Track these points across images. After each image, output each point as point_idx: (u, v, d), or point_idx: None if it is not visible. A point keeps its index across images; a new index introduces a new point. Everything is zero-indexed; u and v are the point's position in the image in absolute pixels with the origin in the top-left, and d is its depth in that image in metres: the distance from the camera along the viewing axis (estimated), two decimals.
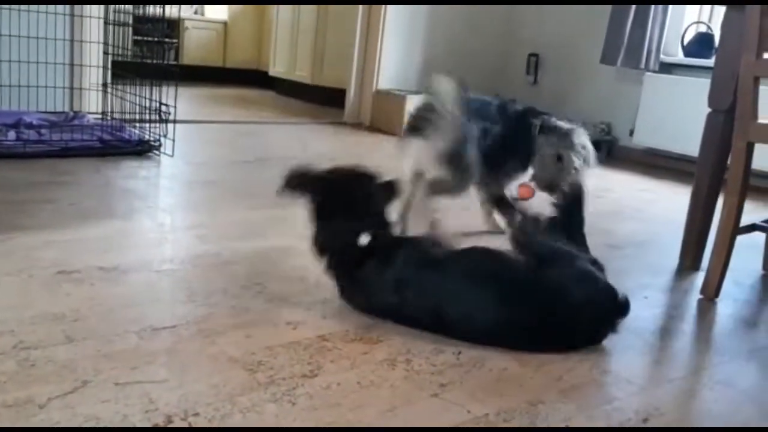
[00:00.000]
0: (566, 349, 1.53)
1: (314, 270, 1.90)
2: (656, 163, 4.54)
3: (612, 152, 4.86)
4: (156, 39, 3.78)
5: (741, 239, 2.04)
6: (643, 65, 4.50)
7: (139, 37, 5.15)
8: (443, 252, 1.65)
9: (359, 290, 1.64)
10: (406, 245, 1.67)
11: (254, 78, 7.09)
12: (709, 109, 2.24)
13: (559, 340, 1.54)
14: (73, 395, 1.17)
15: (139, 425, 1.10)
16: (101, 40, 3.64)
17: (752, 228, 2.12)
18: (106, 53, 3.64)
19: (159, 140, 3.18)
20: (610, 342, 1.60)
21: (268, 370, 1.32)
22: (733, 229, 2.00)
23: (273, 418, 1.16)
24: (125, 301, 1.58)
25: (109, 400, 1.17)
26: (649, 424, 1.28)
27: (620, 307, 1.58)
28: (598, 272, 1.61)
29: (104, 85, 3.67)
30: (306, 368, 1.35)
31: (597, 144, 4.81)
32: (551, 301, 1.52)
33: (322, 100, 5.91)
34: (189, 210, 2.44)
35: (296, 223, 2.35)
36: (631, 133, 4.65)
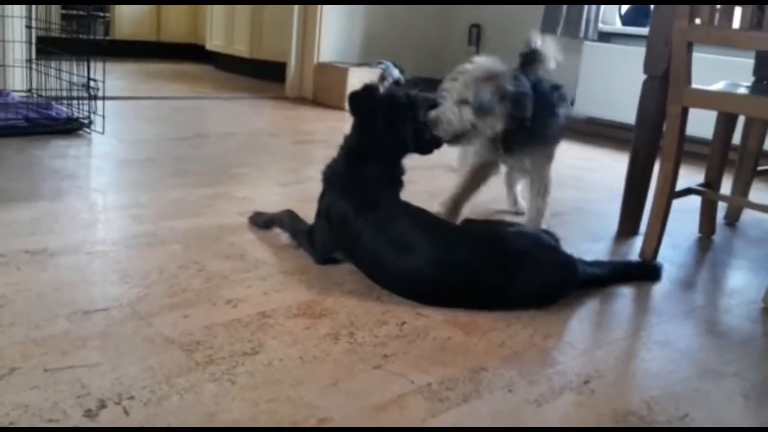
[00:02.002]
0: (512, 309, 1.58)
1: (254, 247, 1.86)
2: (597, 132, 4.61)
3: None
4: (84, 13, 3.62)
5: (677, 203, 2.09)
6: (582, 34, 4.54)
7: (66, 11, 4.94)
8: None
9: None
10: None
11: (191, 52, 6.89)
12: (645, 77, 2.27)
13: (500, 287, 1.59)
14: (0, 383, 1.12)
15: (70, 411, 1.06)
16: (24, 14, 3.46)
17: (688, 192, 2.17)
18: (29, 27, 3.46)
19: (89, 118, 3.06)
20: (551, 307, 1.62)
21: (206, 349, 1.29)
22: (669, 193, 2.04)
23: (212, 398, 1.13)
24: (54, 284, 1.51)
25: (38, 386, 1.12)
26: (590, 386, 1.29)
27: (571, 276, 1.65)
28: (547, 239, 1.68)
29: (29, 61, 3.49)
30: (246, 346, 1.32)
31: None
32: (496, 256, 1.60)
33: (263, 74, 5.79)
34: (122, 189, 2.35)
35: (234, 200, 2.30)
36: (572, 102, 4.70)
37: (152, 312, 1.42)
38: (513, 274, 1.58)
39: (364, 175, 1.72)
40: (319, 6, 4.85)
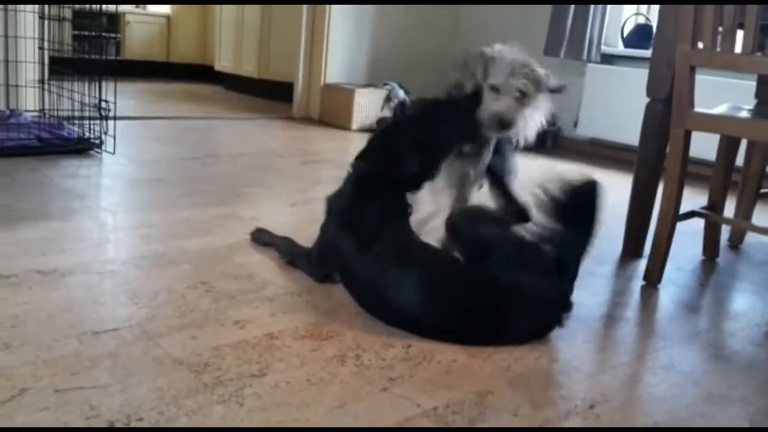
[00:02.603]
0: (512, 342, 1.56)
1: (262, 268, 1.88)
2: (600, 153, 4.63)
3: (557, 143, 4.94)
4: (96, 34, 3.67)
5: (681, 226, 2.10)
6: (585, 56, 4.58)
7: (78, 32, 5.02)
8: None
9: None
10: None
11: (200, 73, 6.97)
12: (648, 99, 2.29)
13: (499, 333, 1.56)
14: (10, 403, 1.13)
15: None
16: (37, 35, 3.52)
17: (692, 215, 2.18)
18: (41, 48, 3.52)
19: (100, 138, 3.10)
20: (556, 330, 1.63)
21: (214, 371, 1.30)
22: (673, 216, 2.05)
23: (220, 420, 1.14)
24: (65, 305, 1.53)
25: (48, 407, 1.13)
26: (595, 411, 1.30)
27: (565, 304, 1.62)
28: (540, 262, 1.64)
29: (41, 82, 3.55)
30: (254, 368, 1.33)
31: (542, 135, 4.90)
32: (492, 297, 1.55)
33: (270, 94, 5.85)
34: (132, 209, 2.38)
35: (243, 220, 2.32)
36: (575, 123, 4.74)
37: (161, 333, 1.44)
38: (506, 317, 1.55)
39: (371, 208, 1.66)
40: (326, 27, 4.91)
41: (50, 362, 1.28)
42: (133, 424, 1.10)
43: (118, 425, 1.10)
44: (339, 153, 3.87)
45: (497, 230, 1.68)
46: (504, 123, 1.80)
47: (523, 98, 1.80)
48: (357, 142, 4.37)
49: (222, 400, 1.20)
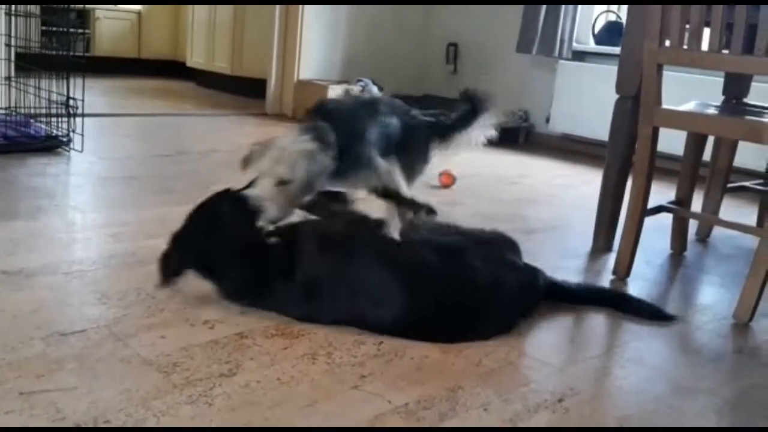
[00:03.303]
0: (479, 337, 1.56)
1: None
2: (572, 149, 4.67)
3: (529, 138, 4.97)
4: (64, 29, 3.61)
5: (650, 220, 2.13)
6: (556, 53, 4.61)
7: (47, 28, 4.93)
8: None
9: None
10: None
11: (172, 69, 6.88)
12: (617, 96, 2.32)
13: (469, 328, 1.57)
14: None
15: None
16: (3, 31, 3.45)
17: (660, 209, 2.21)
18: (8, 45, 3.45)
19: (68, 135, 3.05)
20: (526, 325, 1.64)
21: (184, 371, 1.29)
22: (642, 210, 2.08)
23: (189, 420, 1.14)
24: (31, 306, 1.51)
25: (13, 410, 1.12)
26: (564, 404, 1.31)
27: (535, 295, 1.65)
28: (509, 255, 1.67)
29: (8, 78, 3.47)
30: (224, 367, 1.32)
31: (515, 131, 4.94)
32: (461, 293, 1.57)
33: (244, 90, 5.80)
34: (102, 208, 2.35)
35: None
36: (548, 119, 4.77)
37: (129, 333, 1.42)
38: (478, 310, 1.58)
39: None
40: (299, 23, 4.88)
41: (15, 364, 1.26)
42: (100, 427, 1.09)
43: (84, 428, 1.08)
44: None
45: (460, 236, 1.71)
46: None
47: (285, 184, 1.74)
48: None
49: (191, 401, 1.19)
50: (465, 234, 1.76)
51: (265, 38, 5.12)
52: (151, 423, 1.12)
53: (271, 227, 1.67)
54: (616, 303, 1.85)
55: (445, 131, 2.20)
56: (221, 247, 1.60)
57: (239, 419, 1.15)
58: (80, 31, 6.16)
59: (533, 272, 1.74)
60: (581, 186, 3.58)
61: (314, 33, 4.98)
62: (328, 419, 1.18)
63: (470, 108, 2.26)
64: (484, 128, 2.28)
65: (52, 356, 1.30)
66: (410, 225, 1.89)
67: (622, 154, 2.33)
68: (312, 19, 4.93)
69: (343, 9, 5.07)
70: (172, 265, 1.59)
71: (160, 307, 1.56)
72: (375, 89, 4.92)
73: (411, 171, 2.09)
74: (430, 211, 1.96)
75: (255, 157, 1.79)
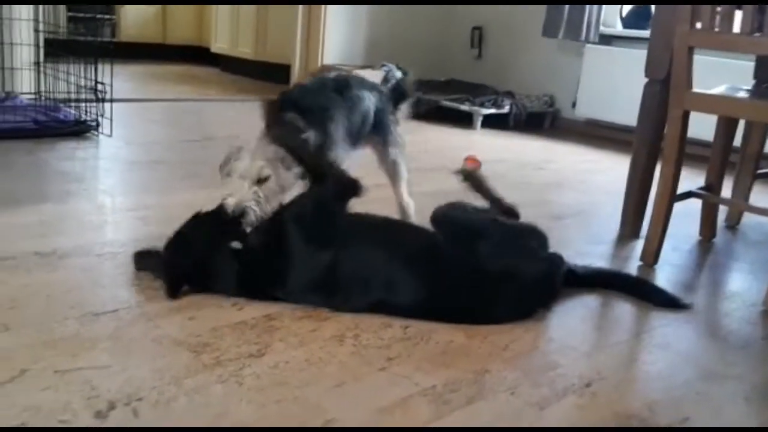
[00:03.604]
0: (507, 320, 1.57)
1: None
2: (599, 134, 4.63)
3: (555, 124, 4.93)
4: (91, 15, 3.65)
5: (678, 206, 2.10)
6: (583, 37, 4.56)
7: (73, 14, 4.98)
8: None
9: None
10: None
11: (196, 54, 6.92)
12: (646, 80, 2.29)
13: (483, 312, 1.57)
14: (10, 384, 1.14)
15: (80, 413, 1.08)
16: (32, 17, 3.49)
17: (689, 195, 2.18)
18: (37, 31, 3.49)
19: (96, 120, 3.09)
20: (554, 309, 1.64)
21: (213, 351, 1.31)
22: (670, 196, 2.05)
23: (220, 399, 1.15)
24: (64, 287, 1.54)
25: (48, 387, 1.14)
26: (591, 389, 1.31)
27: (552, 286, 1.65)
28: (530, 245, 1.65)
29: (37, 64, 3.52)
30: (253, 348, 1.34)
31: (540, 116, 4.91)
32: (476, 281, 1.56)
33: (267, 76, 5.82)
34: (130, 192, 2.38)
35: None
36: (574, 104, 4.73)
37: (160, 314, 1.44)
38: (495, 299, 1.57)
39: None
40: (323, 8, 4.87)
41: (50, 343, 1.28)
42: (134, 404, 1.11)
43: (118, 405, 1.11)
44: None
45: (483, 218, 1.69)
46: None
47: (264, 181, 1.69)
48: None
49: (221, 380, 1.21)
50: (488, 220, 1.72)
51: (288, 23, 5.13)
52: (182, 401, 1.14)
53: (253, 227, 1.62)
54: (632, 288, 1.84)
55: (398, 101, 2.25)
56: (208, 263, 1.56)
57: (269, 398, 1.17)
58: (106, 16, 6.21)
59: (553, 262, 1.70)
60: (608, 171, 3.55)
61: (338, 17, 4.97)
62: (356, 400, 1.19)
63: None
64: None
65: (86, 335, 1.33)
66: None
67: (651, 139, 2.30)
68: (336, 4, 4.92)
69: None
70: (172, 287, 1.55)
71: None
72: (399, 74, 4.89)
73: (392, 142, 2.15)
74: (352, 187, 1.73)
75: (231, 161, 1.72)
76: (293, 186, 1.73)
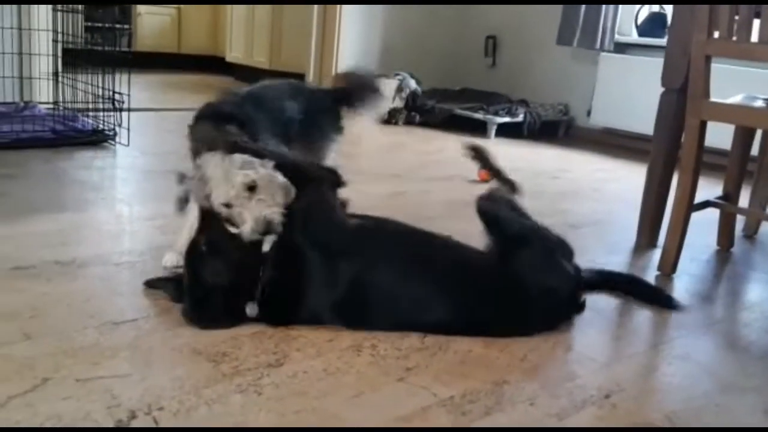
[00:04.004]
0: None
1: None
2: (614, 142, 4.61)
3: (570, 132, 4.92)
4: (108, 25, 3.69)
5: (696, 216, 2.09)
6: (598, 45, 4.55)
7: (90, 24, 5.03)
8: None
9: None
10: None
11: (211, 64, 6.97)
12: (662, 88, 2.28)
13: (513, 328, 1.55)
14: (33, 393, 1.15)
15: (101, 421, 1.09)
16: (50, 27, 3.54)
17: (706, 204, 2.17)
18: (55, 41, 3.54)
19: (114, 129, 3.11)
20: (570, 321, 1.63)
21: (232, 360, 1.32)
22: (688, 206, 2.04)
23: (239, 409, 1.16)
24: (84, 295, 1.55)
25: (70, 396, 1.15)
26: (611, 400, 1.30)
27: (578, 303, 1.63)
28: (562, 260, 1.63)
29: (55, 74, 3.57)
30: (271, 358, 1.34)
31: (554, 124, 4.90)
32: (511, 298, 1.54)
33: None
34: (147, 201, 2.40)
35: None
36: (589, 113, 4.71)
37: (179, 323, 1.45)
38: (528, 315, 1.55)
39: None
40: (337, 17, 4.90)
41: (70, 352, 1.30)
42: (155, 414, 1.12)
43: (139, 414, 1.11)
44: (347, 143, 3.86)
45: (526, 224, 1.67)
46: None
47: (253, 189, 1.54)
48: (366, 133, 4.37)
49: (240, 390, 1.21)
50: (530, 228, 1.67)
51: (303, 33, 5.16)
52: (202, 410, 1.14)
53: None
54: (627, 287, 1.86)
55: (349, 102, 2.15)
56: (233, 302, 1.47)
57: (288, 408, 1.17)
58: (123, 26, 6.28)
59: (578, 276, 1.67)
60: (623, 180, 3.53)
61: (352, 27, 4.99)
62: (374, 410, 1.19)
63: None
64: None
65: (106, 344, 1.34)
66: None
67: (668, 148, 2.30)
68: (350, 13, 4.95)
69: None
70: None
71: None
72: (413, 83, 4.92)
73: (320, 147, 2.03)
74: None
75: (193, 190, 1.59)
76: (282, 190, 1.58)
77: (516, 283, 1.53)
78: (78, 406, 1.13)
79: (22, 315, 1.43)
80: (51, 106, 3.48)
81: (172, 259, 1.75)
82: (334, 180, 1.63)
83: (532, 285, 1.54)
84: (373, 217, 1.63)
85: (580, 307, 1.64)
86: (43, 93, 3.58)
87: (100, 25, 4.42)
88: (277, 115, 1.91)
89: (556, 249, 1.64)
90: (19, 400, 1.12)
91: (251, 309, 1.45)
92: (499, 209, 1.68)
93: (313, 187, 1.58)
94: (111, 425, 1.08)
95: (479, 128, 4.59)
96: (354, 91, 2.17)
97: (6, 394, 1.14)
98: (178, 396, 1.18)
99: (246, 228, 1.48)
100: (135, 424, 1.09)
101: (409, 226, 1.64)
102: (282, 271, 1.48)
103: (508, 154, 4.05)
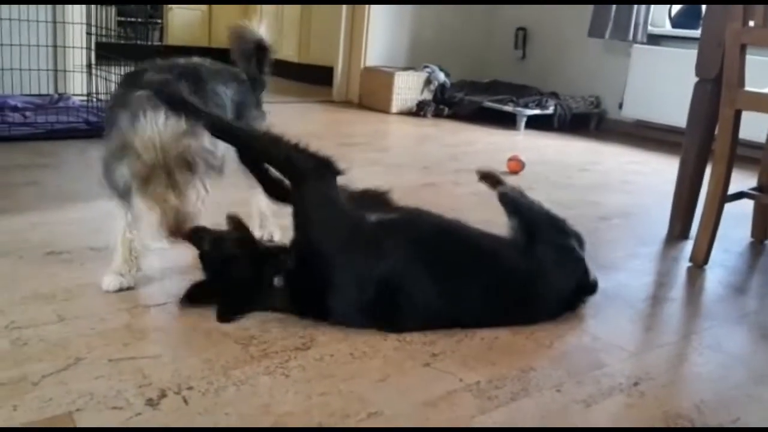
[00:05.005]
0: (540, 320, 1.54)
1: None
2: (646, 135, 4.55)
3: (601, 125, 4.87)
4: (140, 19, 3.74)
5: (729, 207, 2.06)
6: (631, 37, 4.49)
7: (123, 18, 5.11)
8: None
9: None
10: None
11: None
12: (696, 80, 2.24)
13: (525, 316, 1.53)
14: (66, 372, 1.17)
15: (132, 400, 1.11)
16: (84, 20, 3.60)
17: (740, 195, 2.13)
18: (89, 34, 3.60)
19: None
20: (601, 309, 1.62)
21: (261, 343, 1.33)
22: (721, 196, 2.01)
23: (267, 390, 1.17)
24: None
25: (102, 376, 1.17)
26: (639, 388, 1.29)
27: (589, 286, 1.62)
28: (577, 248, 1.62)
29: (89, 66, 3.62)
30: (298, 341, 1.35)
31: (586, 117, 4.85)
32: (530, 288, 1.53)
33: (310, 78, 5.88)
34: None
35: None
36: (620, 105, 4.66)
37: (208, 307, 1.47)
38: (545, 302, 1.54)
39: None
40: (366, 11, 4.90)
41: (103, 333, 1.32)
42: (184, 393, 1.14)
43: (169, 393, 1.13)
44: (376, 136, 3.87)
45: (540, 207, 1.67)
46: None
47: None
48: (396, 125, 4.37)
49: (268, 372, 1.23)
50: (545, 215, 1.65)
51: (332, 26, 5.17)
52: (231, 391, 1.16)
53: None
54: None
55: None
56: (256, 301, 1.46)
57: (314, 390, 1.18)
58: (154, 20, 6.36)
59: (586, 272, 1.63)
60: (656, 172, 3.48)
61: (381, 19, 4.99)
62: (400, 394, 1.20)
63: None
64: None
65: (137, 327, 1.36)
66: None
67: (701, 139, 2.26)
68: (379, 6, 4.94)
69: None
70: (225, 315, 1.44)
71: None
72: (441, 75, 4.90)
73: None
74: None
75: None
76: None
77: (539, 268, 1.53)
78: (109, 384, 1.15)
79: (57, 298, 1.46)
80: (84, 97, 3.54)
81: (114, 283, 1.52)
82: (332, 170, 1.54)
83: (552, 269, 1.53)
84: (402, 208, 1.61)
85: (593, 288, 1.63)
86: (76, 85, 3.64)
87: (132, 19, 4.48)
88: (213, 98, 1.71)
89: (571, 235, 1.63)
90: (52, 378, 1.15)
91: (278, 281, 1.43)
92: (519, 197, 1.67)
93: (311, 183, 1.49)
94: (141, 403, 1.10)
95: (508, 121, 4.56)
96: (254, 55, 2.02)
97: (40, 373, 1.16)
98: (207, 377, 1.19)
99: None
100: (165, 402, 1.11)
101: (433, 217, 1.57)
102: (300, 274, 1.44)
103: (537, 146, 4.02)
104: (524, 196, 1.70)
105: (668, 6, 4.60)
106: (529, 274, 1.53)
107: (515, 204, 1.64)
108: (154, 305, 1.46)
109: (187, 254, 1.77)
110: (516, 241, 1.58)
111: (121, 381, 1.16)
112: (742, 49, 1.91)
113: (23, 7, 3.35)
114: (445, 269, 1.45)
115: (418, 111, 4.77)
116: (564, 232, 1.64)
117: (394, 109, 4.76)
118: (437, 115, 4.78)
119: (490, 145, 3.90)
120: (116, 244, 1.57)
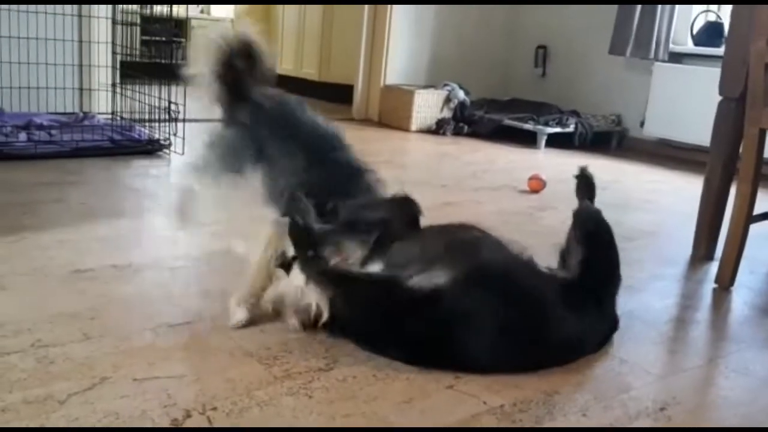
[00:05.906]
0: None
1: None
2: (668, 154, 4.52)
3: (622, 143, 4.84)
4: (164, 39, 3.79)
5: (755, 228, 2.03)
6: (652, 55, 4.48)
7: (147, 37, 5.19)
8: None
9: None
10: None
11: None
12: (719, 98, 2.23)
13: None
14: (91, 391, 1.18)
15: (157, 420, 1.11)
16: (109, 40, 3.66)
17: (766, 216, 2.11)
18: (114, 53, 3.65)
19: (169, 139, 3.19)
20: (626, 333, 1.60)
21: (284, 364, 1.33)
22: (747, 217, 1.99)
23: (290, 411, 1.17)
24: (140, 298, 1.59)
25: (127, 395, 1.18)
26: (666, 413, 1.27)
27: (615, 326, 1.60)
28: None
29: (113, 85, 3.68)
30: (321, 362, 1.35)
31: (607, 135, 4.83)
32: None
33: (330, 96, 5.91)
34: (201, 207, 2.44)
35: None
36: (642, 124, 4.63)
37: (231, 327, 1.47)
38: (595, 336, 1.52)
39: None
40: (387, 28, 4.93)
41: (128, 352, 1.33)
42: (209, 414, 1.14)
43: (194, 414, 1.14)
44: (396, 153, 3.88)
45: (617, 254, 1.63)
46: None
47: None
48: (415, 143, 4.38)
49: (291, 392, 1.23)
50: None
51: (352, 44, 5.20)
52: (254, 412, 1.16)
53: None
54: None
55: None
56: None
57: (337, 411, 1.18)
58: (177, 39, 6.45)
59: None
60: (678, 192, 3.45)
61: (401, 38, 5.02)
62: (423, 416, 1.19)
63: None
64: None
65: (162, 346, 1.37)
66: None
67: (726, 159, 2.24)
68: (399, 24, 4.98)
69: (430, 12, 5.09)
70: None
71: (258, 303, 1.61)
72: (461, 93, 4.91)
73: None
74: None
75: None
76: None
77: (594, 302, 1.51)
78: (134, 404, 1.15)
79: (82, 316, 1.47)
80: (109, 116, 3.59)
81: (243, 317, 1.49)
82: (412, 213, 1.55)
83: (599, 322, 1.52)
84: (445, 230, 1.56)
85: (616, 326, 1.60)
86: (101, 103, 3.70)
87: (156, 38, 4.55)
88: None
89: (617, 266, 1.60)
90: (78, 397, 1.16)
91: None
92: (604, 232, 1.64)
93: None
94: (166, 424, 1.10)
95: (529, 139, 4.55)
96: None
97: (66, 391, 1.17)
98: (231, 397, 1.20)
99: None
100: (189, 423, 1.11)
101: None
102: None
103: (557, 164, 4.00)
104: (609, 231, 1.64)
105: (690, 23, 4.58)
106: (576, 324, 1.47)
107: (595, 238, 1.61)
108: (178, 324, 1.47)
109: (208, 273, 1.78)
110: (566, 279, 1.53)
111: (145, 401, 1.16)
112: (767, 68, 1.90)
113: (50, 26, 3.42)
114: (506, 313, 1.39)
115: (438, 129, 4.78)
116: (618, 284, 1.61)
117: (414, 127, 4.77)
118: (457, 133, 4.79)
119: (511, 164, 3.89)
120: (252, 266, 1.54)
